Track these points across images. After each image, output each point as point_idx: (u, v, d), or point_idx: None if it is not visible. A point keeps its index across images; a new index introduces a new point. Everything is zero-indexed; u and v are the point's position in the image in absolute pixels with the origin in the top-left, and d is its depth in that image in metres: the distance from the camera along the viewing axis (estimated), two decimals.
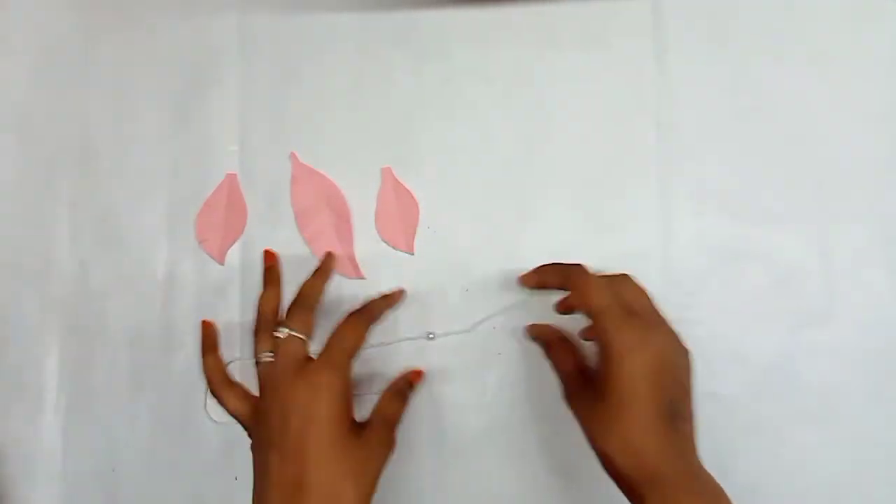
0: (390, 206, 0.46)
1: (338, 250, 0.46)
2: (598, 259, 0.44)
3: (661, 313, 0.37)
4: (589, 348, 0.41)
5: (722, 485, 0.33)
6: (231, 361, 0.45)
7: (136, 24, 0.49)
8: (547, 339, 0.42)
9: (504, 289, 0.45)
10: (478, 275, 0.45)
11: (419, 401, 0.45)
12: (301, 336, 0.39)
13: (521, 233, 0.46)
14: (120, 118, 0.49)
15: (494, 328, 0.45)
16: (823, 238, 0.44)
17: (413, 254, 0.46)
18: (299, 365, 0.38)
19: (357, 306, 0.41)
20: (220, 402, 0.41)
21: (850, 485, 0.43)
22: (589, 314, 0.36)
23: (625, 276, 0.38)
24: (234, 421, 0.40)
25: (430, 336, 0.45)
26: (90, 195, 0.49)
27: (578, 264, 0.39)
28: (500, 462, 0.45)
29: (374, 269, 0.46)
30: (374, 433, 0.39)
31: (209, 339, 0.45)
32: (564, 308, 0.43)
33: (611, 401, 0.34)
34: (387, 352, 0.45)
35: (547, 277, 0.41)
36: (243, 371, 0.44)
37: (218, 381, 0.42)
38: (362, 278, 0.46)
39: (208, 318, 0.46)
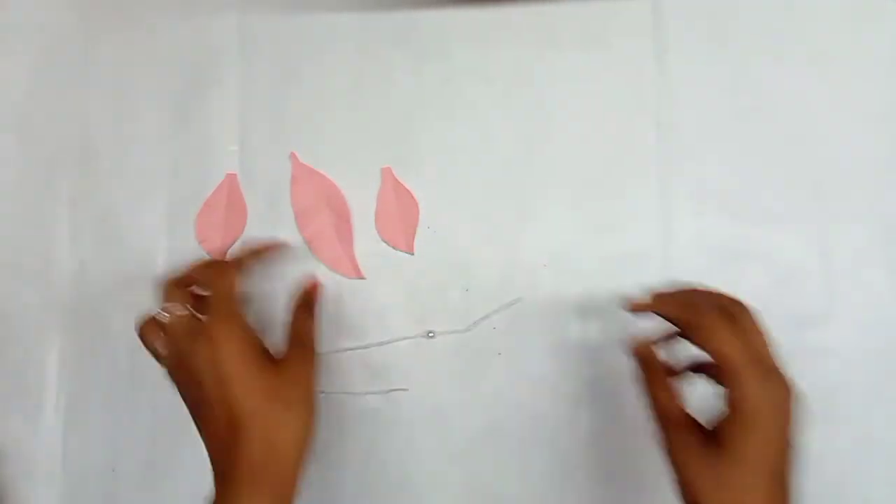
0: (390, 206, 0.46)
1: (338, 250, 0.46)
2: (598, 259, 0.45)
3: (778, 358, 0.35)
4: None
5: None
6: None
7: (136, 24, 0.49)
8: (651, 368, 0.38)
9: (504, 289, 0.45)
10: (478, 275, 0.45)
11: (419, 400, 0.45)
12: (185, 308, 0.38)
13: (521, 233, 0.46)
14: (120, 118, 0.49)
15: (494, 328, 0.45)
16: (823, 238, 0.44)
17: (413, 254, 0.46)
18: (191, 328, 0.37)
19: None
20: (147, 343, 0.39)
21: (851, 485, 0.43)
22: (720, 363, 0.34)
23: (744, 310, 0.35)
24: None
25: (430, 335, 0.45)
26: (90, 195, 0.49)
27: (696, 291, 0.37)
28: (500, 462, 0.45)
29: (374, 269, 0.46)
30: (292, 352, 0.39)
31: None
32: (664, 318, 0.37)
33: (734, 457, 0.33)
34: (387, 351, 0.45)
35: (664, 308, 0.37)
36: None
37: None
38: (362, 278, 0.46)
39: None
